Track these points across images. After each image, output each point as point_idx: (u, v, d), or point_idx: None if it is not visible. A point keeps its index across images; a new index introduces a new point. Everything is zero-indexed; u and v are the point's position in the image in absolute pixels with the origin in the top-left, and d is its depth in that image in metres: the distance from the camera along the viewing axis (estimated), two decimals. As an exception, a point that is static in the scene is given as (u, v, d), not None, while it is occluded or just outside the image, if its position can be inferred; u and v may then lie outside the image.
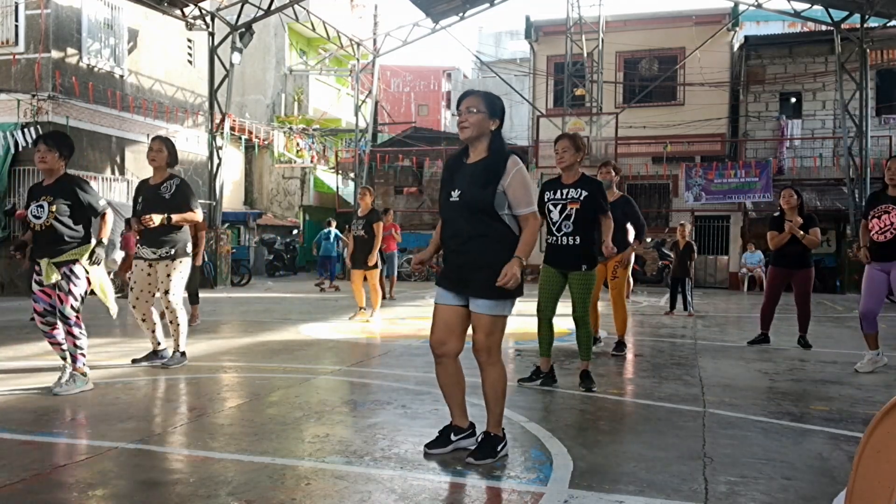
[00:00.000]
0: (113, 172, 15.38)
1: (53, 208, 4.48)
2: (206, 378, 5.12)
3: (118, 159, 15.53)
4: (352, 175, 22.76)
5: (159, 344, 5.56)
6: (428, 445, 3.27)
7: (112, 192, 15.22)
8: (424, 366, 5.80)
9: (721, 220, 19.41)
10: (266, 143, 24.18)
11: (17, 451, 3.29)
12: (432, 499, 2.72)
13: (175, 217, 5.32)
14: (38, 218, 4.49)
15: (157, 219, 5.21)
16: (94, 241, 4.67)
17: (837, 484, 2.86)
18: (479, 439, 3.25)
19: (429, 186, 22.42)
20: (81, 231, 4.62)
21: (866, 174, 16.41)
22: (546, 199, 4.84)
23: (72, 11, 14.18)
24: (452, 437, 3.28)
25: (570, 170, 4.83)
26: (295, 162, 25.42)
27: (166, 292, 5.37)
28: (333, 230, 16.14)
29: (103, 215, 4.65)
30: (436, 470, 3.07)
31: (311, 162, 25.66)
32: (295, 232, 23.41)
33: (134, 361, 5.56)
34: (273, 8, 16.47)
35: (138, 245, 5.47)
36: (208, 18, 16.18)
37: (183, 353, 5.56)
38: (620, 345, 6.47)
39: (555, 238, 4.80)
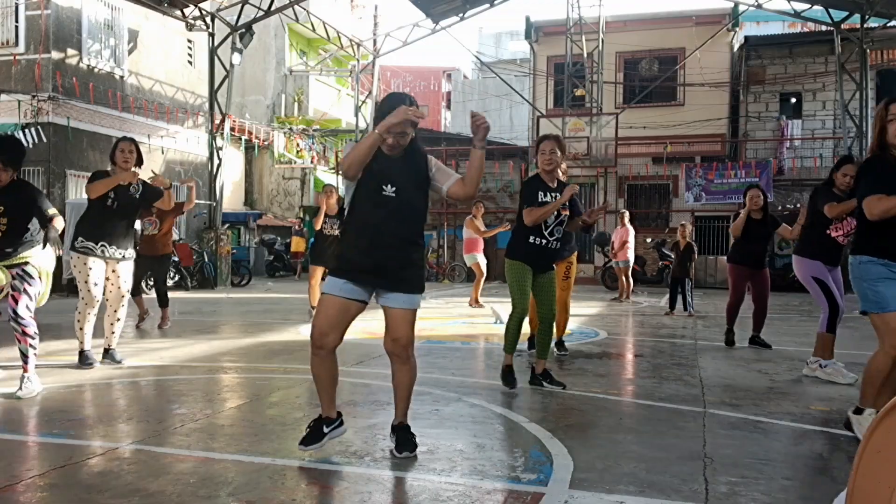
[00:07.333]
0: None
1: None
2: (206, 378, 5.12)
3: (118, 160, 15.53)
4: (352, 175, 22.71)
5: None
6: (303, 442, 3.20)
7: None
8: (424, 366, 5.78)
9: (721, 221, 19.39)
10: (266, 143, 24.16)
11: (18, 451, 3.29)
12: (432, 499, 2.72)
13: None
14: None
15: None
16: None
17: (837, 484, 2.86)
18: (398, 433, 3.26)
19: (429, 187, 22.43)
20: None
21: (866, 174, 16.39)
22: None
23: (72, 12, 14.19)
24: (325, 430, 3.25)
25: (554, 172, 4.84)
26: (295, 162, 25.40)
27: (128, 290, 5.56)
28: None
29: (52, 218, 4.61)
30: (436, 470, 3.06)
31: (312, 162, 25.64)
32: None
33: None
34: (273, 8, 16.47)
35: (98, 244, 5.39)
36: (208, 19, 16.18)
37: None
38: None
39: (545, 241, 4.74)
